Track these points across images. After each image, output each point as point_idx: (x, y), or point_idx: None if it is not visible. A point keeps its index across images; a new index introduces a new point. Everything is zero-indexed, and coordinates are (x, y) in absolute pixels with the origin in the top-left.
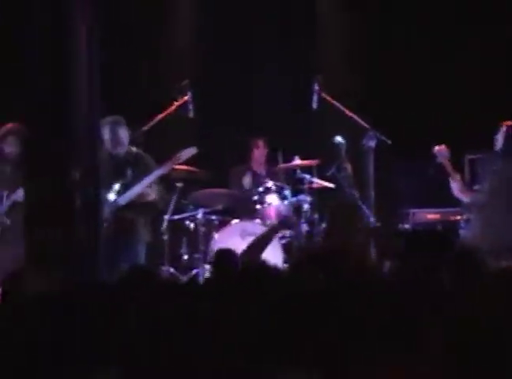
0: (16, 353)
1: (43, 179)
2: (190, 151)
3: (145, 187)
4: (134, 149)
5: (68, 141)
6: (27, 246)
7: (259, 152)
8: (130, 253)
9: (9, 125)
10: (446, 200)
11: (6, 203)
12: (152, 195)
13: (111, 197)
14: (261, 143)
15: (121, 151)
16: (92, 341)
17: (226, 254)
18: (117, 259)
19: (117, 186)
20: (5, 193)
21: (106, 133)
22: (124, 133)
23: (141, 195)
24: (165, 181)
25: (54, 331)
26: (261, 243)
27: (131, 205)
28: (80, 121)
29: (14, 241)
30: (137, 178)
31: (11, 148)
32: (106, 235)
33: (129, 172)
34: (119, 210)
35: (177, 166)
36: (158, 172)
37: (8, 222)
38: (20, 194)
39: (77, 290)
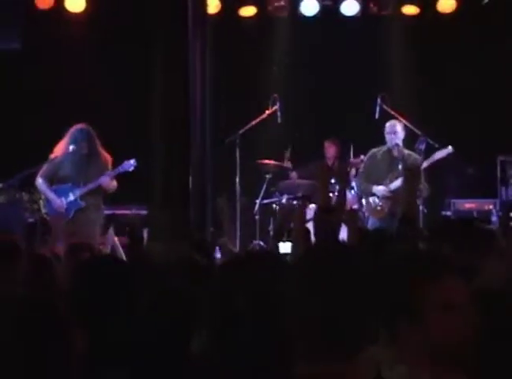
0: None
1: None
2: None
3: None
4: None
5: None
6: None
7: (331, 150)
8: None
9: (80, 127)
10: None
11: (82, 189)
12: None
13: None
14: (331, 143)
15: None
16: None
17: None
18: None
19: None
20: (81, 182)
21: None
22: None
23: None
24: (256, 173)
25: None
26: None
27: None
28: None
29: (86, 218)
30: None
31: (85, 148)
32: None
33: None
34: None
35: (266, 161)
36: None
37: (83, 204)
38: (94, 184)
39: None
